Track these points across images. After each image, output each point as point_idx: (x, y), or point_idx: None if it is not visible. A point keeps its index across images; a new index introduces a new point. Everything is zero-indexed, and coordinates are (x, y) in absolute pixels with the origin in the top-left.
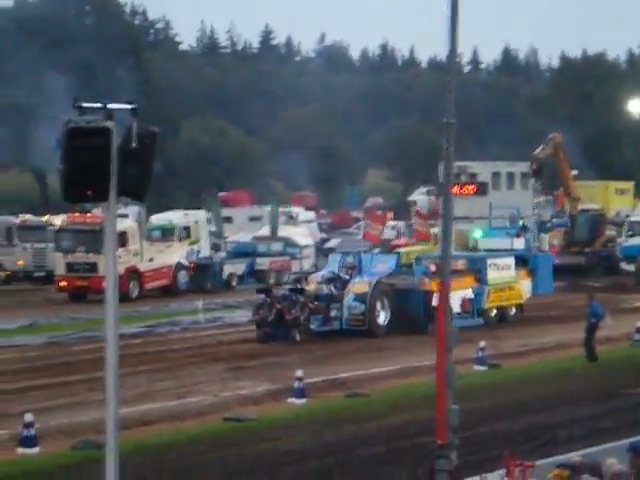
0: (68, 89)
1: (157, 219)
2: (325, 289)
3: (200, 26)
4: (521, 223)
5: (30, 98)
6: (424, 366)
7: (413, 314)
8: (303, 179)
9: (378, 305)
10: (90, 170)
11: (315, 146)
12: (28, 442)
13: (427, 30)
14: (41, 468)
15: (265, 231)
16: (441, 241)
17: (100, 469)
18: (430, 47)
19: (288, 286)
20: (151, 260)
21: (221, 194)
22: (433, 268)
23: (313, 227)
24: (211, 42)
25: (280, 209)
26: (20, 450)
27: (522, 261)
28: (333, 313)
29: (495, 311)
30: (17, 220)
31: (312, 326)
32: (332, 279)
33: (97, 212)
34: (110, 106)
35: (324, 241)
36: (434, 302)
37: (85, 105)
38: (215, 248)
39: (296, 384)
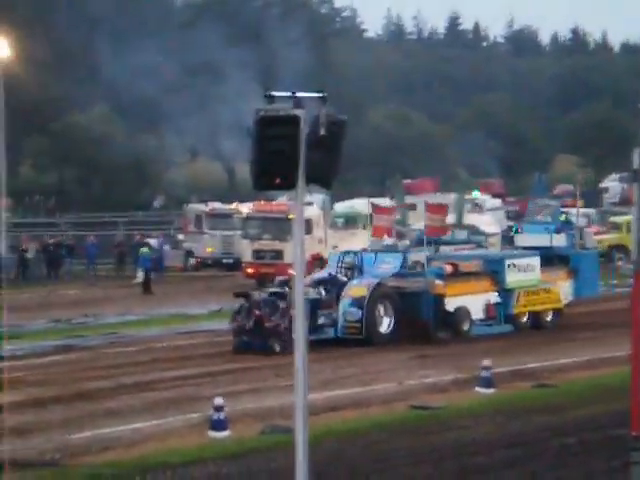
0: (253, 78)
1: (341, 207)
2: (312, 293)
3: (386, 13)
4: (563, 217)
5: (218, 88)
6: (615, 357)
7: (421, 320)
8: (489, 165)
9: (380, 310)
10: (279, 158)
11: (502, 132)
12: (218, 425)
13: (620, 13)
14: (232, 452)
15: (450, 219)
16: (635, 231)
17: (289, 454)
18: (623, 30)
19: (271, 289)
20: (335, 247)
21: (405, 181)
22: (449, 269)
23: (499, 215)
24: (397, 29)
25: (466, 196)
26: (211, 433)
27: (563, 260)
28: (322, 320)
29: (527, 317)
30: (206, 208)
31: (294, 336)
32: (323, 281)
33: (283, 200)
34: (299, 94)
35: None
36: (448, 306)
37: (275, 94)
38: (399, 236)
39: (483, 373)
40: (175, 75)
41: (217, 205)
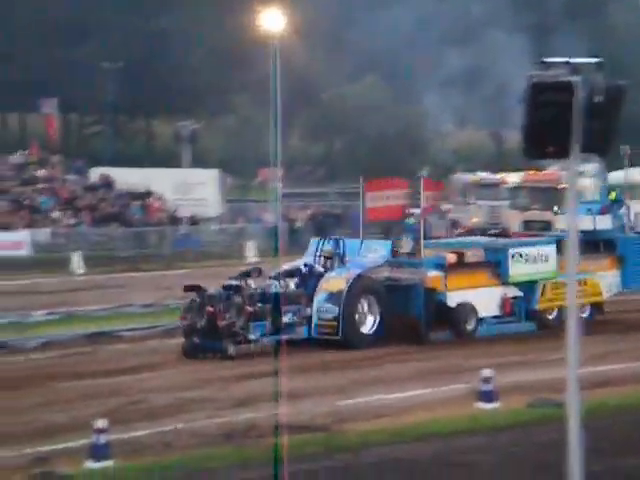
0: (521, 48)
1: (617, 176)
2: (275, 286)
3: None
4: (613, 195)
5: (484, 54)
6: None
7: (411, 318)
8: None
9: (362, 307)
10: (552, 126)
11: None
12: (486, 397)
13: None
14: (499, 424)
15: None
16: None
17: (557, 427)
18: None
19: (226, 282)
20: None
21: None
22: (451, 258)
23: None
24: None
25: None
26: (479, 405)
27: (609, 246)
28: (288, 318)
29: (556, 312)
30: (472, 178)
31: (251, 336)
32: (291, 272)
33: (553, 169)
34: (574, 61)
35: None
36: (449, 302)
37: (549, 60)
38: None
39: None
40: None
41: (484, 175)
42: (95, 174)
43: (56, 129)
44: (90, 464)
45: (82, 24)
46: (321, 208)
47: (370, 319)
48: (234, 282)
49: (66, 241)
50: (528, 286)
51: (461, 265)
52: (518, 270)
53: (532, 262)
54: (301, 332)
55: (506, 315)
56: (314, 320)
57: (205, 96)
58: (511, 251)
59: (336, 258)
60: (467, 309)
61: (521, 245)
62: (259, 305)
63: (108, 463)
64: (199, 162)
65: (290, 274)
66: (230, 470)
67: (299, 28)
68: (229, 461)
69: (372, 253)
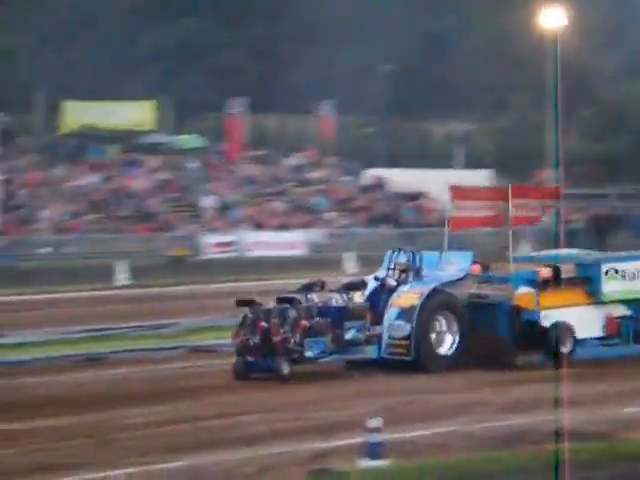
0: None
1: None
2: (336, 300)
3: None
4: None
5: None
6: None
7: (496, 338)
8: None
9: (439, 324)
10: None
11: None
12: None
13: None
14: None
15: None
16: None
17: None
18: None
19: (284, 294)
20: None
21: None
22: (545, 274)
23: None
24: None
25: None
26: None
27: None
28: (350, 335)
29: None
30: None
31: (308, 353)
32: (355, 285)
33: None
34: None
35: None
36: (543, 322)
37: None
38: None
39: None
40: None
41: None
42: (368, 175)
43: (333, 131)
44: (364, 462)
45: (358, 26)
46: (601, 210)
47: (448, 338)
48: (290, 295)
49: (339, 241)
50: (637, 305)
51: (555, 281)
52: (613, 287)
53: (631, 279)
54: (370, 352)
55: (611, 337)
56: (384, 339)
57: (480, 96)
58: (604, 267)
59: (411, 271)
60: (563, 329)
61: (616, 260)
62: (317, 320)
63: (382, 462)
64: (472, 163)
65: (354, 287)
66: (507, 475)
67: (579, 25)
68: (505, 465)
69: (451, 266)
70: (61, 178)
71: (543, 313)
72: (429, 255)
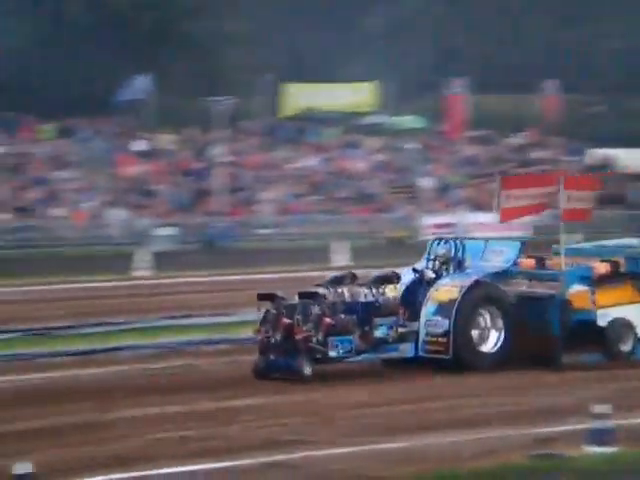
0: None
1: None
2: (364, 294)
3: None
4: None
5: None
6: None
7: (546, 336)
8: None
9: (484, 320)
10: None
11: None
12: None
13: None
14: None
15: None
16: None
17: None
18: None
19: (307, 289)
20: None
21: None
22: (602, 269)
23: None
24: None
25: None
26: None
27: None
28: (380, 332)
29: None
30: None
31: (331, 353)
32: (387, 279)
33: None
34: None
35: None
36: (599, 320)
37: None
38: None
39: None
40: None
41: None
42: (593, 155)
43: (557, 111)
44: (591, 448)
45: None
46: None
47: (493, 335)
48: (313, 289)
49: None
50: None
51: (613, 276)
52: None
53: None
54: (406, 350)
55: None
56: (421, 336)
57: None
58: None
59: (452, 262)
60: (623, 327)
61: None
62: (342, 317)
63: (610, 448)
64: None
65: (385, 280)
66: None
67: None
68: None
69: (497, 256)
70: (282, 160)
71: (600, 312)
72: (474, 244)
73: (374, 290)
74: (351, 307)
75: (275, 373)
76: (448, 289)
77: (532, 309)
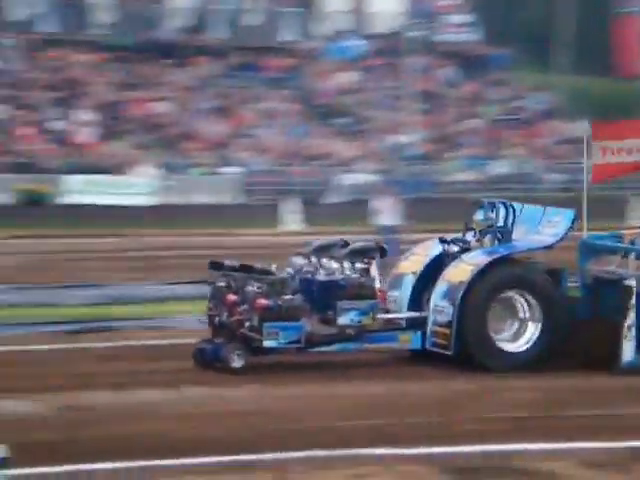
0: None
1: None
2: (333, 270)
3: None
4: None
5: None
6: None
7: (604, 331)
8: None
9: (509, 309)
10: None
11: None
12: None
13: None
14: None
15: None
16: None
17: None
18: None
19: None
20: None
21: None
22: None
23: None
24: None
25: None
26: None
27: None
28: (346, 319)
29: None
30: None
31: (267, 342)
32: (365, 250)
33: None
34: None
35: None
36: None
37: None
38: None
39: None
40: None
41: None
42: None
43: None
44: None
45: None
46: None
47: (524, 329)
48: (252, 264)
49: None
50: None
51: None
52: None
53: None
54: (410, 341)
55: None
56: (429, 324)
57: None
58: None
59: (493, 232)
60: None
61: None
62: (289, 297)
63: None
64: None
65: (362, 253)
66: None
67: None
68: None
69: (550, 228)
70: None
71: None
72: (530, 210)
73: (347, 265)
74: (307, 285)
75: (208, 361)
76: (463, 268)
77: (606, 296)
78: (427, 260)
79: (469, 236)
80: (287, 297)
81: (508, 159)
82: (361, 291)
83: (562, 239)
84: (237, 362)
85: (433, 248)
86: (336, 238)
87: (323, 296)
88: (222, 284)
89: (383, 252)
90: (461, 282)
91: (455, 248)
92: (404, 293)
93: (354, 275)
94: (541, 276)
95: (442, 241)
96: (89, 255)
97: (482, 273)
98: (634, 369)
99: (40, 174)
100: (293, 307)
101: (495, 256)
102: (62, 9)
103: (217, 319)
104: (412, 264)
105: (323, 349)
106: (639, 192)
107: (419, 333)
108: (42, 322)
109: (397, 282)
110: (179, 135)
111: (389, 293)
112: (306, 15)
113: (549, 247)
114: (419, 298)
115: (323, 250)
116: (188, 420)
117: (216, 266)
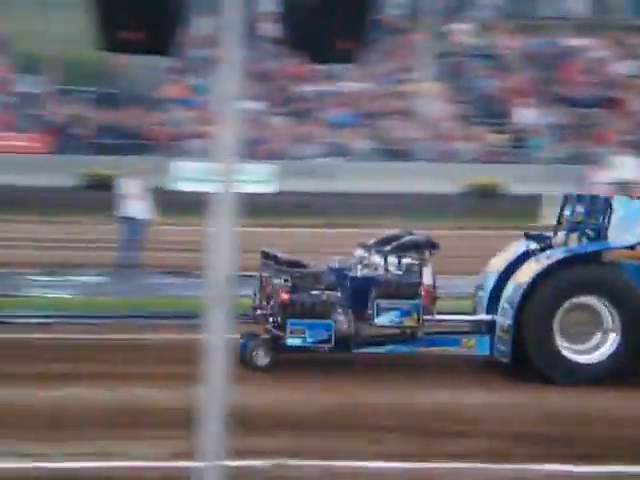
0: None
1: None
2: (375, 266)
3: None
4: None
5: None
6: None
7: None
8: None
9: (582, 315)
10: None
11: None
12: None
13: None
14: None
15: None
16: None
17: None
18: None
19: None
20: None
21: None
22: None
23: None
24: None
25: None
26: None
27: None
28: (385, 319)
29: None
30: None
31: (290, 340)
32: (413, 245)
33: None
34: None
35: None
36: None
37: None
38: None
39: None
40: None
41: None
42: None
43: None
44: None
45: None
46: None
47: (599, 339)
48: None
49: None
50: None
51: None
52: None
53: None
54: (476, 345)
55: None
56: (497, 328)
57: None
58: None
59: (583, 229)
60: None
61: None
62: (316, 293)
63: None
64: None
65: (410, 247)
66: None
67: None
68: None
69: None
70: None
71: None
72: (630, 204)
73: (391, 260)
74: (344, 281)
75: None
76: (532, 267)
77: None
78: (512, 258)
79: (559, 233)
80: (316, 292)
81: None
82: (402, 289)
83: None
84: (262, 360)
85: (521, 245)
86: (402, 231)
87: (359, 293)
88: (266, 274)
89: (434, 247)
90: (524, 283)
91: (536, 245)
92: (485, 293)
93: (396, 271)
94: (620, 279)
95: (528, 237)
96: None
97: (546, 273)
98: None
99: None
100: (322, 303)
101: (564, 255)
102: None
103: (259, 311)
104: (498, 262)
105: (364, 350)
106: None
107: (487, 338)
108: None
109: (483, 281)
110: None
111: (478, 293)
112: None
113: (630, 247)
114: (498, 299)
115: (386, 243)
116: None
117: (264, 256)
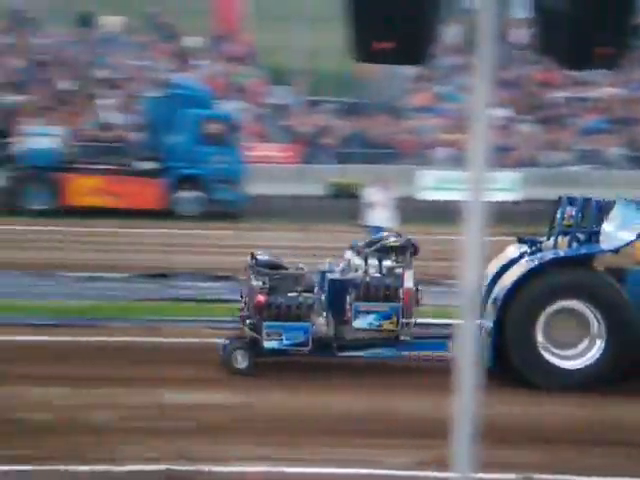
0: None
1: None
2: (355, 267)
3: None
4: None
5: None
6: None
7: None
8: None
9: (565, 321)
10: None
11: None
12: None
13: None
14: None
15: None
16: None
17: None
18: None
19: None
20: None
21: None
22: None
23: None
24: None
25: None
26: None
27: None
28: (363, 322)
29: None
30: None
31: (267, 343)
32: (393, 247)
33: None
34: None
35: None
36: None
37: None
38: None
39: None
40: None
41: None
42: None
43: None
44: None
45: None
46: None
47: (584, 345)
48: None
49: None
50: None
51: None
52: None
53: None
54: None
55: None
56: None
57: None
58: None
59: (572, 232)
60: None
61: None
62: (292, 295)
63: None
64: None
65: (389, 250)
66: None
67: None
68: None
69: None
70: None
71: None
72: (626, 207)
73: (372, 262)
74: (324, 284)
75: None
76: (516, 270)
77: None
78: (504, 261)
79: (551, 237)
80: (293, 295)
81: None
82: (381, 292)
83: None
84: (240, 363)
85: (516, 249)
86: (396, 232)
87: (338, 296)
88: (252, 277)
89: (415, 250)
90: (507, 285)
91: (526, 249)
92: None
93: (376, 274)
94: (604, 283)
95: (520, 241)
96: None
97: (528, 277)
98: None
99: None
100: (299, 305)
101: (547, 259)
102: None
103: (245, 315)
104: (492, 265)
105: (343, 354)
106: None
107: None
108: None
109: None
110: None
111: None
112: None
113: (614, 251)
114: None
115: (371, 245)
116: None
117: (251, 258)
